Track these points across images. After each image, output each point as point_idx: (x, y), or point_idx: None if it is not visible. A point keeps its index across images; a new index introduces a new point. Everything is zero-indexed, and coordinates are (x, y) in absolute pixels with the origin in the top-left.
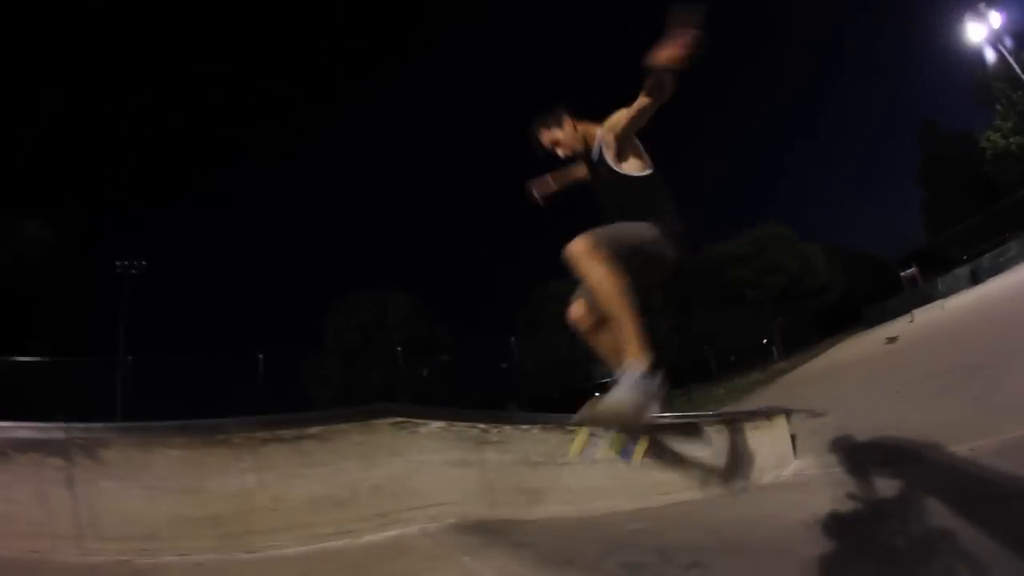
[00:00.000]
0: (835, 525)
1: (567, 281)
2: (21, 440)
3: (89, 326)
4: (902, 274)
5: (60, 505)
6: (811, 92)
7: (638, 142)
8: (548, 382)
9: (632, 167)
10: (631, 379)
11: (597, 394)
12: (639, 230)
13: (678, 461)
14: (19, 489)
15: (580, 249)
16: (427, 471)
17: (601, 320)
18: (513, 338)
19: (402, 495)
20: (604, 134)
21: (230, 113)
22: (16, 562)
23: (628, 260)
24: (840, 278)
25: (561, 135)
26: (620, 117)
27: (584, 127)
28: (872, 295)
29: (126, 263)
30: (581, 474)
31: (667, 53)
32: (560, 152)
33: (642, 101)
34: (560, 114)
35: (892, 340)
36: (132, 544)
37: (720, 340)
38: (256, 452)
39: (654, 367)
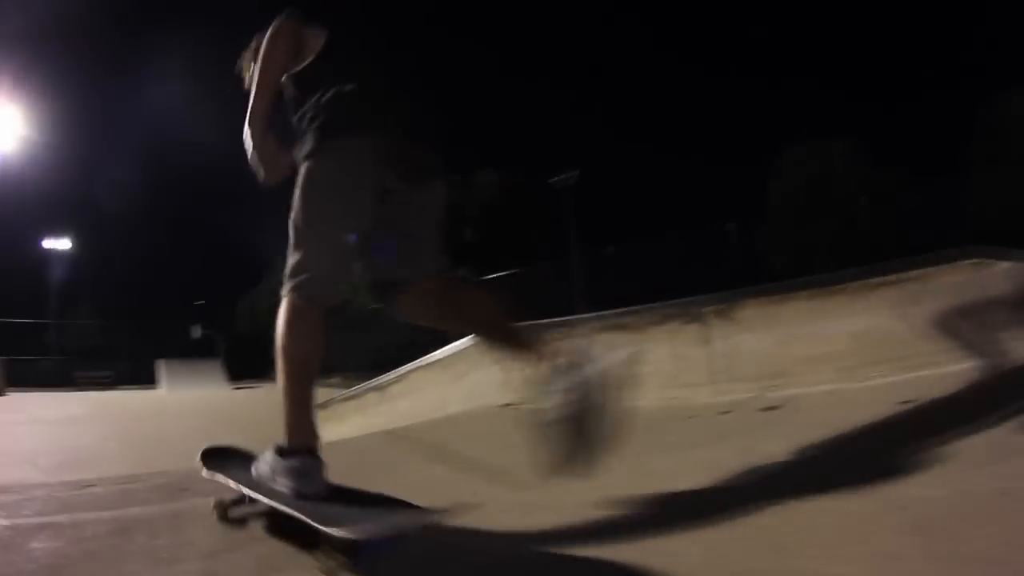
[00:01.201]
0: None
1: None
2: (660, 315)
3: (549, 237)
4: None
5: (694, 361)
6: None
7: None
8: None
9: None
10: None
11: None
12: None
13: None
14: (656, 352)
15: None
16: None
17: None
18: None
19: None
20: None
21: None
22: (656, 408)
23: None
24: None
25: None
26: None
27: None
28: None
29: (561, 177)
30: None
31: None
32: None
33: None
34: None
35: None
36: (761, 383)
37: None
38: (867, 297)
39: (306, 451)
